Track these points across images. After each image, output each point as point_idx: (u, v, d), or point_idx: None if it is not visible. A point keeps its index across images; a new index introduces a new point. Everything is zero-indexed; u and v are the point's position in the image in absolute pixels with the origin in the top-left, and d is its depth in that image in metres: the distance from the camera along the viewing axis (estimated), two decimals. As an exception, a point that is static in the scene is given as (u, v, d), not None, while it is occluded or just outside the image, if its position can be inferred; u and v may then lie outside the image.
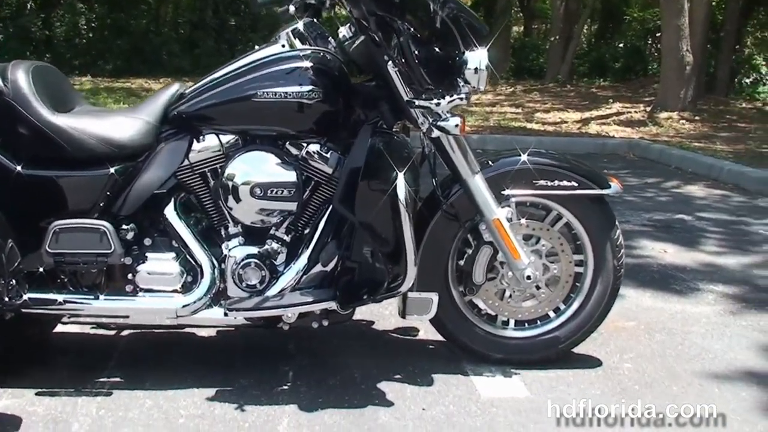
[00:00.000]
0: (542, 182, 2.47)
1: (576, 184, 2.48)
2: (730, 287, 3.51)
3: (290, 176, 2.30)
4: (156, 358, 2.59)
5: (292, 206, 2.31)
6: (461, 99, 2.22)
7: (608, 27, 19.27)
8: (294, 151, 2.35)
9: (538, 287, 2.53)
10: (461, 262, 2.52)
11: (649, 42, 17.11)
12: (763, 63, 14.42)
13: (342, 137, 2.36)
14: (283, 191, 2.28)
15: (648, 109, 10.52)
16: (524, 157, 2.48)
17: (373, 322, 2.92)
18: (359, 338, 2.80)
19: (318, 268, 2.33)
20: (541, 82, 14.91)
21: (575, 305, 2.58)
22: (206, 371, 2.47)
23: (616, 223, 2.57)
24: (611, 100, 11.84)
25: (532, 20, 21.04)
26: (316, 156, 2.34)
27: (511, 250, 2.43)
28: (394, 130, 2.40)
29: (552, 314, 2.60)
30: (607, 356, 2.69)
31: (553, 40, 15.99)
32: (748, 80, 14.19)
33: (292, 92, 2.27)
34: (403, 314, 2.51)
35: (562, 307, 2.60)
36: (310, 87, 2.27)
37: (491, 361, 2.57)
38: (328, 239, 2.35)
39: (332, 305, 2.32)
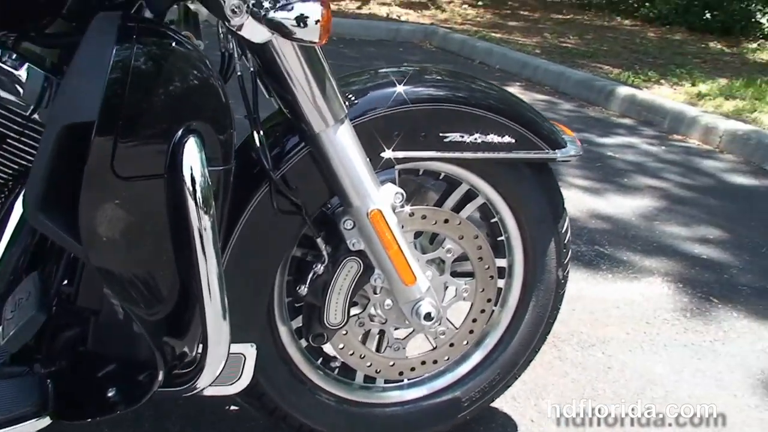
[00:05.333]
0: (449, 135, 1.31)
1: (512, 140, 1.35)
2: (622, 249, 2.64)
3: None
4: None
5: None
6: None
7: None
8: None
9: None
10: (303, 288, 1.30)
11: None
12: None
13: (53, 34, 1.04)
14: None
15: (427, -10, 9.71)
16: (400, 88, 1.29)
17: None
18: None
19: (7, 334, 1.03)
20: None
21: (489, 344, 1.51)
22: None
23: (564, 205, 1.50)
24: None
25: None
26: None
27: (400, 269, 1.27)
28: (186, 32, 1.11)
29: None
30: (520, 409, 1.69)
31: None
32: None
33: None
34: (186, 385, 1.30)
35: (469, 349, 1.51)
36: None
37: (345, 446, 1.45)
38: (25, 266, 1.05)
39: (41, 423, 1.03)
